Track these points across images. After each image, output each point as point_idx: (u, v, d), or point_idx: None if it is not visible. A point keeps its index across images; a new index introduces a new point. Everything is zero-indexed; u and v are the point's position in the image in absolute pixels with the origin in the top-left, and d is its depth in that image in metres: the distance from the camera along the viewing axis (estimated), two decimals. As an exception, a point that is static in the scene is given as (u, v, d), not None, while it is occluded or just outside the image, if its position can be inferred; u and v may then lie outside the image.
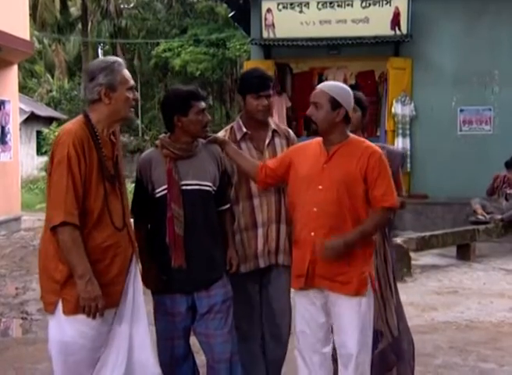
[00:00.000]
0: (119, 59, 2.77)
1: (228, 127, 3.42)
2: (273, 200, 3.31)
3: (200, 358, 3.28)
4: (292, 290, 3.13)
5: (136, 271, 2.80)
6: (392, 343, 3.33)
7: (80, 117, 2.73)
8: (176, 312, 2.98)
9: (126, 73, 2.75)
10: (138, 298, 2.79)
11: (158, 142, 3.06)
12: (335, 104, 2.89)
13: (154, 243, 2.97)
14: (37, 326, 5.32)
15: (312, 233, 2.87)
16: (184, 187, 2.95)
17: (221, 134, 3.31)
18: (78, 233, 2.56)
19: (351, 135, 3.00)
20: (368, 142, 3.01)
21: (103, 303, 2.57)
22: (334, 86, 2.98)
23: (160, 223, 2.94)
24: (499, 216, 8.53)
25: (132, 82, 2.76)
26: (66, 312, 2.61)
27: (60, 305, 2.62)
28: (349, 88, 3.00)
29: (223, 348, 3.04)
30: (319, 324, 2.96)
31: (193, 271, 2.93)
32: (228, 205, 3.19)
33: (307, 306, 2.96)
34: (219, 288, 3.02)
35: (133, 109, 2.79)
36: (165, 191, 2.93)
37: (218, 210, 3.12)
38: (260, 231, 3.28)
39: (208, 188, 3.02)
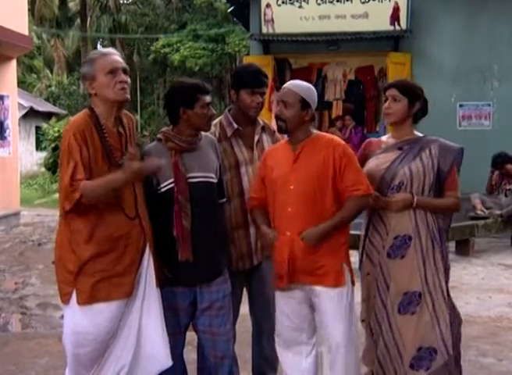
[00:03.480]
0: (104, 49, 2.80)
1: (217, 122, 3.32)
2: None
3: (192, 357, 3.26)
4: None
5: (149, 262, 2.81)
6: (448, 362, 3.03)
7: (85, 110, 2.79)
8: (179, 308, 2.96)
9: (107, 58, 2.73)
10: (151, 290, 2.80)
11: (160, 135, 3.01)
12: (304, 104, 2.94)
13: (160, 237, 2.93)
14: (36, 321, 5.32)
15: (288, 233, 2.92)
16: (190, 180, 2.93)
17: (211, 130, 3.19)
18: (87, 183, 2.61)
19: (315, 132, 3.05)
20: (330, 136, 3.07)
21: (141, 163, 2.73)
22: (302, 85, 3.00)
23: (165, 218, 2.91)
24: (499, 212, 8.52)
25: (114, 65, 2.71)
26: (80, 303, 2.66)
27: (74, 296, 2.67)
28: (313, 87, 3.05)
29: (227, 346, 3.04)
30: (302, 315, 3.01)
31: (198, 264, 2.91)
32: (225, 199, 3.17)
33: (288, 300, 3.01)
34: (220, 284, 3.02)
35: (123, 91, 2.72)
36: (172, 185, 2.90)
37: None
38: (252, 229, 3.26)
39: (212, 180, 3.00)
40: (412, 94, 3.11)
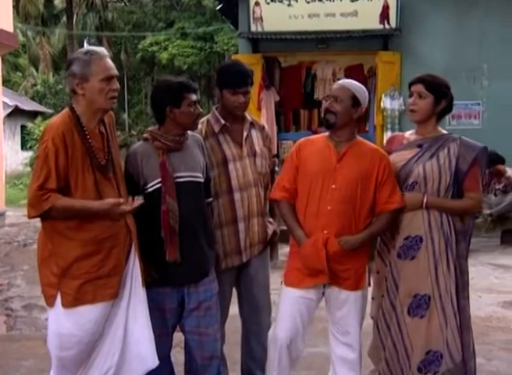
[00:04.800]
0: (98, 49, 2.75)
1: (204, 120, 3.32)
2: (254, 193, 3.30)
3: (180, 358, 3.24)
4: (282, 285, 3.14)
5: (135, 262, 2.80)
6: (453, 370, 2.98)
7: (66, 110, 2.74)
8: (166, 308, 2.96)
9: (103, 63, 2.71)
10: (137, 289, 2.80)
11: (147, 135, 2.99)
12: (355, 101, 3.00)
13: (147, 237, 2.92)
14: (21, 323, 5.29)
15: (325, 231, 2.95)
16: (177, 180, 2.92)
17: (198, 127, 3.20)
18: (60, 198, 2.59)
19: (357, 136, 3.08)
20: (373, 145, 3.12)
21: (121, 208, 2.64)
22: (355, 84, 3.06)
23: (152, 218, 2.90)
24: (488, 211, 8.57)
25: (110, 72, 2.71)
26: (65, 305, 2.64)
27: (59, 298, 2.65)
28: (365, 88, 3.09)
29: (215, 346, 3.05)
30: (307, 316, 3.07)
31: (186, 264, 2.91)
32: (211, 199, 3.17)
33: (302, 299, 3.03)
34: (208, 284, 3.02)
35: (113, 100, 2.74)
36: (159, 185, 2.89)
37: None
38: (241, 226, 3.27)
39: (199, 179, 3.01)
40: (439, 91, 3.05)
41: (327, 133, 3.09)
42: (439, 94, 3.04)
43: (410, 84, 3.10)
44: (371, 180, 2.97)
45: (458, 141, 3.04)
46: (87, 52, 2.72)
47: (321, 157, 3.00)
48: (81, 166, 2.66)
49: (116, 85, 2.74)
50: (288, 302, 3.05)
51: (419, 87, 3.04)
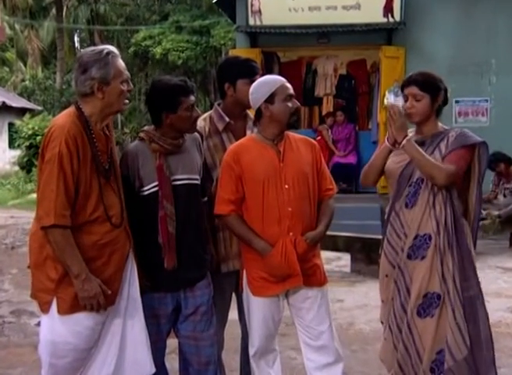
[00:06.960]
0: (114, 49, 2.74)
1: (206, 116, 3.33)
2: None
3: (176, 365, 3.24)
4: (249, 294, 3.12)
5: (132, 268, 2.81)
6: (455, 368, 2.98)
7: (72, 110, 2.72)
8: (161, 314, 2.97)
9: (121, 64, 2.73)
10: (134, 295, 2.81)
11: (143, 135, 2.97)
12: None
13: (142, 242, 2.91)
14: (9, 330, 5.27)
15: (291, 234, 2.97)
16: (174, 183, 2.92)
17: (200, 124, 3.21)
18: (69, 233, 2.58)
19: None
20: (299, 135, 3.21)
21: (103, 299, 2.62)
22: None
23: (148, 222, 2.89)
24: (497, 212, 8.57)
25: (126, 73, 2.74)
26: (61, 312, 2.63)
27: (54, 305, 2.64)
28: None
29: (212, 351, 3.06)
30: (278, 321, 3.14)
31: (182, 269, 2.92)
32: (206, 199, 3.17)
33: (273, 304, 3.07)
34: (204, 288, 3.04)
35: (127, 101, 2.79)
36: (156, 189, 2.89)
37: None
38: None
39: (196, 181, 3.01)
40: (434, 88, 3.06)
41: (254, 135, 3.12)
42: (435, 91, 3.07)
43: (403, 86, 3.13)
44: (314, 170, 3.07)
45: (458, 131, 3.09)
46: (106, 53, 2.68)
47: (264, 160, 3.00)
48: (89, 170, 2.65)
49: (131, 85, 2.78)
50: (260, 310, 3.06)
51: (413, 90, 3.07)
